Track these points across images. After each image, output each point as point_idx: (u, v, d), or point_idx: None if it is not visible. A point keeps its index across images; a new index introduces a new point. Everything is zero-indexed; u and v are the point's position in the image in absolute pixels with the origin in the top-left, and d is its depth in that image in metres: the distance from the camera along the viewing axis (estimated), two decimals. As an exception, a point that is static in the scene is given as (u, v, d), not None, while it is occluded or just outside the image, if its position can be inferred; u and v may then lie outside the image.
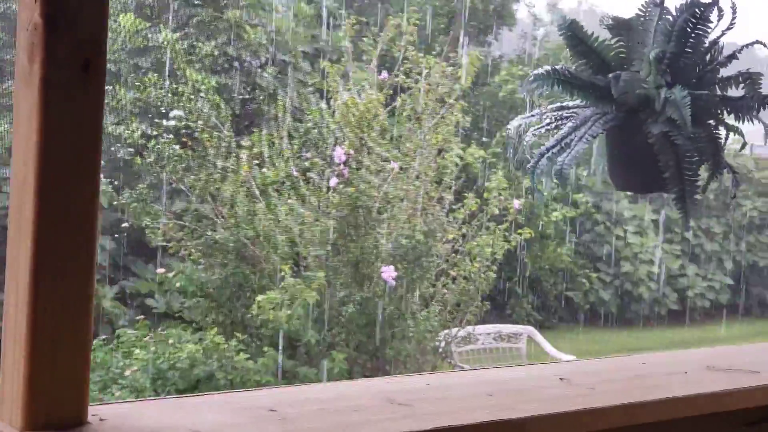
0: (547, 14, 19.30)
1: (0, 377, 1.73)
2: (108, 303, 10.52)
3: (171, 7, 13.87)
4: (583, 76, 3.27)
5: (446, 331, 8.84)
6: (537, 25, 18.30)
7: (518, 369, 2.43)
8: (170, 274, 8.75)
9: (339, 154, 8.44)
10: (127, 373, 7.53)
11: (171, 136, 9.34)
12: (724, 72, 3.30)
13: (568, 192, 15.31)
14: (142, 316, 8.97)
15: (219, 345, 7.59)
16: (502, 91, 15.62)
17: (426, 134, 8.93)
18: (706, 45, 3.18)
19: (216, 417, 1.82)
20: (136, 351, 7.80)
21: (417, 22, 9.52)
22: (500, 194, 9.04)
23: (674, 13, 3.19)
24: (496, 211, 9.07)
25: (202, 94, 9.54)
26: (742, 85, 3.22)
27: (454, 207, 9.08)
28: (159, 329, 8.44)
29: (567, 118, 3.37)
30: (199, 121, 9.17)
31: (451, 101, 9.12)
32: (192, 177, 8.94)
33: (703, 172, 3.19)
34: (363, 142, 8.62)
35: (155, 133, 9.62)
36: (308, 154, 8.97)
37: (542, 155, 3.32)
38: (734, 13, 3.17)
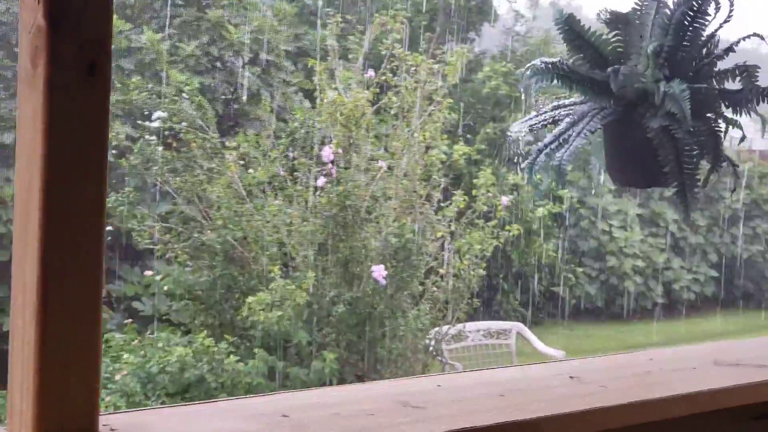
0: (528, 10, 19.30)
1: (8, 389, 1.69)
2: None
3: (153, 8, 13.82)
4: (581, 70, 3.24)
5: (436, 328, 8.82)
6: (518, 21, 18.30)
7: (528, 368, 2.40)
8: (158, 277, 8.71)
9: (327, 153, 8.40)
10: (117, 377, 7.49)
11: (154, 138, 9.29)
12: (721, 65, 3.28)
13: (553, 188, 15.31)
14: (130, 320, 8.92)
15: (209, 348, 7.54)
16: (486, 87, 15.61)
17: (414, 132, 8.91)
18: (704, 38, 3.16)
19: (229, 424, 1.79)
20: (125, 355, 7.75)
21: (404, 19, 9.50)
22: (488, 191, 9.02)
23: (671, 7, 3.17)
24: (485, 208, 9.05)
25: (185, 95, 9.49)
26: (738, 78, 3.20)
27: (442, 205, 9.05)
28: (147, 332, 8.39)
29: (564, 114, 3.35)
30: (184, 123, 9.12)
31: (439, 98, 9.10)
32: (178, 179, 8.90)
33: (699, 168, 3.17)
34: (351, 140, 8.59)
35: (138, 135, 9.57)
36: (295, 154, 8.93)
37: (540, 151, 3.29)
38: (732, 5, 3.15)
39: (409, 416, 1.91)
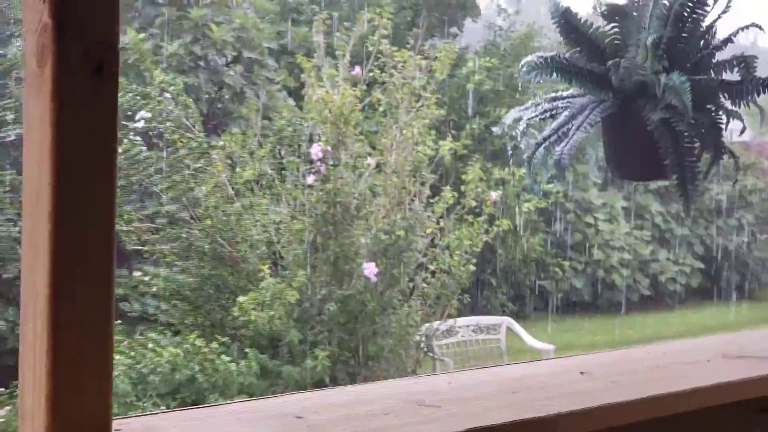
0: (510, 4, 19.28)
1: (19, 395, 1.67)
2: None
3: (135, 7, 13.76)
4: (579, 63, 3.23)
5: (427, 324, 8.81)
6: (501, 15, 18.27)
7: (537, 364, 2.39)
8: (146, 278, 8.67)
9: (316, 151, 8.37)
10: (108, 379, 7.43)
11: (139, 138, 9.24)
12: (719, 56, 3.27)
13: (539, 182, 15.31)
14: (119, 321, 8.88)
15: (200, 348, 7.51)
16: (470, 82, 15.59)
17: (402, 129, 8.89)
18: (703, 29, 3.15)
19: (244, 426, 1.76)
20: (116, 356, 7.71)
21: (391, 16, 9.48)
22: (477, 187, 9.01)
23: (669, -2, 3.16)
24: (474, 204, 9.04)
25: (169, 94, 9.45)
26: (736, 69, 3.19)
27: (431, 201, 9.04)
28: (137, 333, 8.35)
29: (563, 107, 3.33)
30: (169, 123, 9.08)
31: (427, 95, 9.08)
32: (165, 179, 8.86)
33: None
34: (340, 138, 8.56)
35: (121, 136, 9.52)
36: (282, 152, 8.90)
37: (539, 145, 3.28)
38: (729, -4, 3.15)
39: (425, 416, 1.89)
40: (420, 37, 9.87)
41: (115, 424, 1.68)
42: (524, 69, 3.26)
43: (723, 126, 3.01)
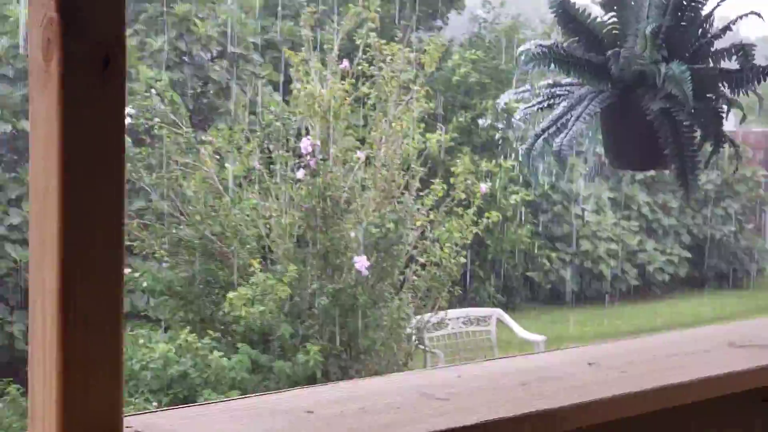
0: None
1: (29, 393, 1.65)
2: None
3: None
4: (577, 53, 3.22)
5: (418, 317, 8.80)
6: (485, 7, 18.24)
7: (546, 355, 2.38)
8: (136, 274, 8.63)
9: (305, 145, 8.35)
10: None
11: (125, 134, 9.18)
12: (717, 45, 3.26)
13: (525, 174, 15.33)
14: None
15: (192, 344, 7.49)
16: (456, 75, 15.57)
17: (391, 122, 8.87)
18: (701, 18, 3.14)
19: (255, 422, 1.75)
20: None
21: (378, 9, 9.45)
22: (467, 179, 9.00)
23: (668, -13, 3.15)
24: (463, 196, 9.03)
25: (154, 90, 9.42)
26: (735, 57, 3.18)
27: (421, 193, 9.03)
28: (128, 329, 8.32)
29: (560, 96, 3.32)
30: (156, 119, 9.05)
31: (416, 87, 9.06)
32: (153, 175, 8.83)
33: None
34: (329, 132, 8.54)
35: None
36: (271, 147, 8.88)
37: (538, 137, 3.26)
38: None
39: (435, 409, 1.88)
40: (408, 30, 9.84)
41: (126, 421, 1.66)
42: (522, 58, 3.24)
43: (724, 115, 3.00)
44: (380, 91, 8.98)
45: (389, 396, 1.95)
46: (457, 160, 9.42)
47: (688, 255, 17.41)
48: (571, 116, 3.18)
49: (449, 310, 9.65)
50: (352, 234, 8.36)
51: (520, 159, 3.20)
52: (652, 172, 16.90)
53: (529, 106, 3.39)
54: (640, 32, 3.11)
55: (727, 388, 2.30)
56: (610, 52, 3.04)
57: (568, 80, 3.39)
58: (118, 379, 1.65)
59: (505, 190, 14.12)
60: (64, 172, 1.56)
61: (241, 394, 7.34)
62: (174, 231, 8.60)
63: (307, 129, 8.88)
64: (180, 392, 7.35)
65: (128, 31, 12.54)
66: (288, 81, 10.41)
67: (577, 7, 3.22)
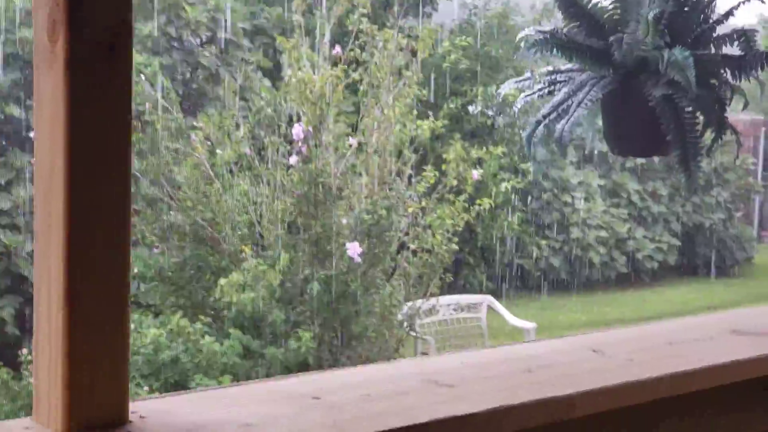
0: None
1: (34, 379, 1.63)
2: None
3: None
4: (578, 39, 3.19)
5: (409, 303, 8.79)
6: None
7: (549, 342, 2.36)
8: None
9: (297, 131, 8.32)
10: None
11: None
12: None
13: (515, 161, 15.31)
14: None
15: (184, 329, 7.47)
16: (446, 61, 15.53)
17: (384, 108, 8.84)
18: (704, 3, 3.12)
19: (261, 408, 1.73)
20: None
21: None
22: (459, 165, 8.98)
23: (670, -28, 3.12)
24: (455, 183, 9.01)
25: (144, 76, 9.38)
26: (736, 43, 3.17)
27: (413, 180, 9.01)
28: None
29: (561, 82, 3.30)
30: (147, 103, 9.01)
31: (409, 73, 9.04)
32: (143, 161, 8.79)
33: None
34: (321, 118, 8.51)
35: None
36: (262, 133, 8.84)
37: (539, 123, 3.24)
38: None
39: (442, 396, 1.86)
40: (399, 16, 9.79)
41: (132, 406, 1.64)
42: (523, 44, 3.21)
43: (727, 101, 2.99)
44: (372, 77, 8.95)
45: (395, 383, 1.93)
46: (449, 147, 9.40)
47: (678, 243, 17.43)
48: (573, 102, 3.16)
49: (440, 297, 9.64)
50: (344, 221, 8.33)
51: (523, 144, 3.18)
52: (642, 160, 16.91)
53: (530, 93, 3.36)
54: (642, 17, 3.09)
55: (732, 376, 2.28)
56: (612, 38, 3.02)
57: (568, 66, 3.37)
58: (124, 364, 1.63)
59: (495, 177, 14.08)
60: (70, 151, 1.53)
61: (233, 379, 7.33)
62: (165, 217, 8.57)
63: (298, 115, 8.84)
64: (171, 377, 7.33)
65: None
66: (278, 67, 10.36)
67: (578, -8, 3.19)
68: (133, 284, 9.41)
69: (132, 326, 7.84)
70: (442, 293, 9.92)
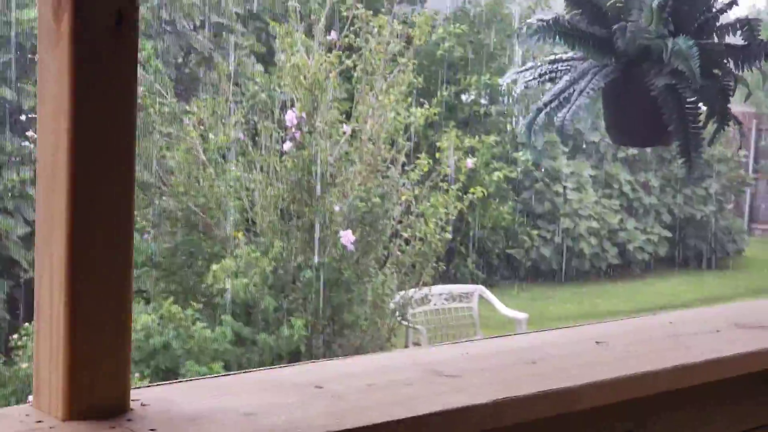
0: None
1: (35, 366, 1.60)
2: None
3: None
4: (580, 26, 3.17)
5: (402, 292, 8.76)
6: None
7: (551, 333, 2.34)
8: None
9: (291, 117, 8.28)
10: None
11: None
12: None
13: (507, 150, 15.30)
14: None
15: (175, 314, 7.43)
16: (440, 49, 15.49)
17: (378, 95, 8.80)
18: (708, -9, 3.10)
19: (264, 397, 1.70)
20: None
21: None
22: (453, 153, 8.95)
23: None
24: (448, 171, 8.99)
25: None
26: (739, 32, 3.14)
27: (406, 168, 8.98)
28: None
29: (562, 71, 3.27)
30: (141, 87, 8.95)
31: (404, 60, 9.00)
32: (137, 145, 8.72)
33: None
34: (315, 105, 8.47)
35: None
36: (255, 118, 8.80)
37: (540, 110, 3.21)
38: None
39: (446, 386, 1.84)
40: (394, 1, 9.74)
41: (134, 393, 1.62)
42: (525, 32, 3.18)
43: (731, 92, 2.96)
44: (366, 64, 8.91)
45: (398, 372, 1.91)
46: (443, 135, 9.37)
47: (668, 234, 17.43)
48: (574, 90, 3.13)
49: (432, 287, 9.62)
50: (337, 208, 8.30)
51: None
52: (634, 150, 16.91)
53: (531, 79, 3.33)
54: (646, 5, 3.06)
55: (736, 369, 2.26)
56: (616, 26, 2.99)
57: (570, 55, 3.34)
58: (125, 351, 1.60)
59: (488, 166, 14.07)
60: (74, 130, 1.50)
61: (224, 366, 7.30)
62: (157, 202, 8.53)
63: (291, 101, 8.80)
64: (162, 363, 7.30)
65: None
66: (271, 52, 10.31)
67: (582, -21, 3.17)
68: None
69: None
70: (435, 283, 9.90)
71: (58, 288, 1.52)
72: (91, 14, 1.51)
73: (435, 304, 10.02)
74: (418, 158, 9.01)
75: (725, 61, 3.01)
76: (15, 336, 7.79)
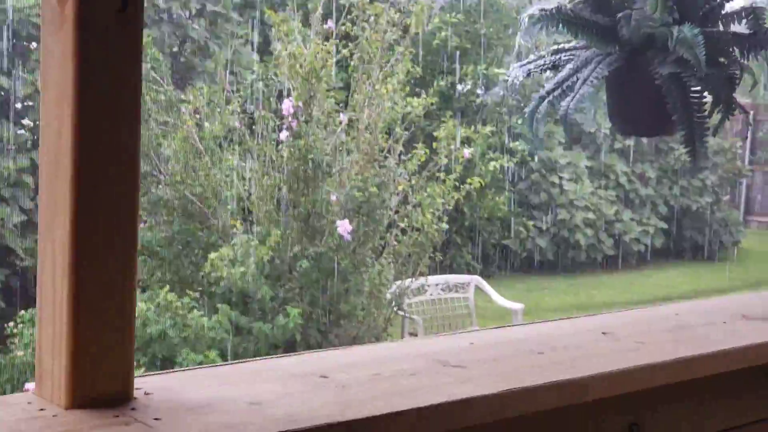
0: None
1: (37, 353, 1.58)
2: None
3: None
4: (584, 15, 3.14)
5: (398, 282, 8.74)
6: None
7: (557, 324, 2.31)
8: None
9: (287, 106, 8.24)
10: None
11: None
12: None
13: (503, 140, 15.27)
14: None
15: (171, 303, 7.41)
16: (436, 39, 15.45)
17: (375, 84, 8.77)
18: (713, -21, 3.07)
19: (269, 386, 1.68)
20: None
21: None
22: (450, 144, 8.92)
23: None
24: (446, 161, 8.96)
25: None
26: (745, 21, 3.12)
27: (403, 158, 8.94)
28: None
29: (566, 60, 3.24)
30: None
31: (401, 49, 8.96)
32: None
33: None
34: (312, 94, 8.43)
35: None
36: (252, 107, 8.77)
37: (542, 99, 3.19)
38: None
39: (452, 376, 1.82)
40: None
41: (137, 382, 1.60)
42: (527, 22, 3.15)
43: (737, 81, 2.93)
44: (363, 53, 8.87)
45: (403, 362, 1.88)
46: (440, 125, 9.34)
47: (665, 226, 17.42)
48: (577, 79, 3.11)
49: (429, 277, 9.59)
50: (334, 197, 8.27)
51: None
52: (630, 141, 16.88)
53: (534, 68, 3.30)
54: (651, -7, 3.03)
55: (743, 361, 2.25)
56: (620, 14, 2.97)
57: (572, 44, 3.32)
58: (129, 339, 1.58)
59: (484, 156, 14.03)
60: (78, 116, 1.48)
61: (220, 355, 7.28)
62: (153, 190, 8.50)
63: (288, 90, 8.77)
64: (159, 351, 7.27)
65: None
66: (267, 41, 10.27)
67: (585, -34, 3.14)
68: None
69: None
70: (431, 273, 9.87)
71: (61, 274, 1.50)
72: (95, -3, 1.49)
73: (431, 295, 9.99)
74: (414, 148, 8.98)
75: (731, 49, 2.99)
76: (11, 323, 7.76)
